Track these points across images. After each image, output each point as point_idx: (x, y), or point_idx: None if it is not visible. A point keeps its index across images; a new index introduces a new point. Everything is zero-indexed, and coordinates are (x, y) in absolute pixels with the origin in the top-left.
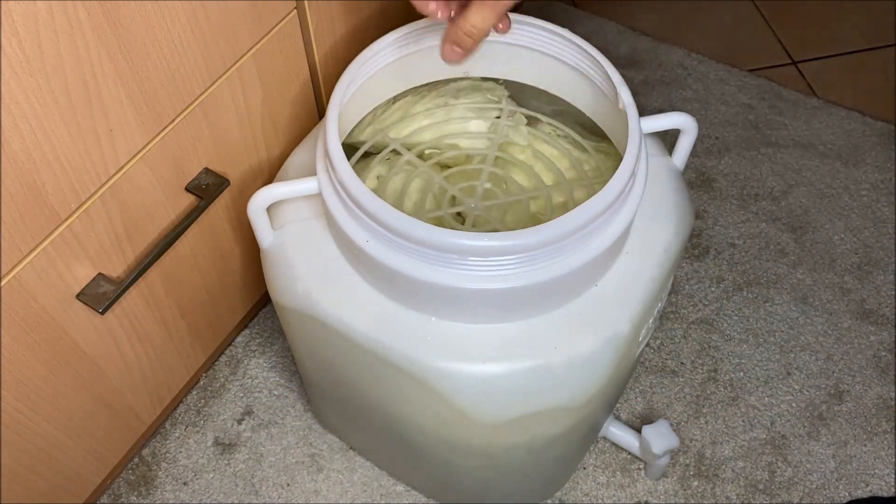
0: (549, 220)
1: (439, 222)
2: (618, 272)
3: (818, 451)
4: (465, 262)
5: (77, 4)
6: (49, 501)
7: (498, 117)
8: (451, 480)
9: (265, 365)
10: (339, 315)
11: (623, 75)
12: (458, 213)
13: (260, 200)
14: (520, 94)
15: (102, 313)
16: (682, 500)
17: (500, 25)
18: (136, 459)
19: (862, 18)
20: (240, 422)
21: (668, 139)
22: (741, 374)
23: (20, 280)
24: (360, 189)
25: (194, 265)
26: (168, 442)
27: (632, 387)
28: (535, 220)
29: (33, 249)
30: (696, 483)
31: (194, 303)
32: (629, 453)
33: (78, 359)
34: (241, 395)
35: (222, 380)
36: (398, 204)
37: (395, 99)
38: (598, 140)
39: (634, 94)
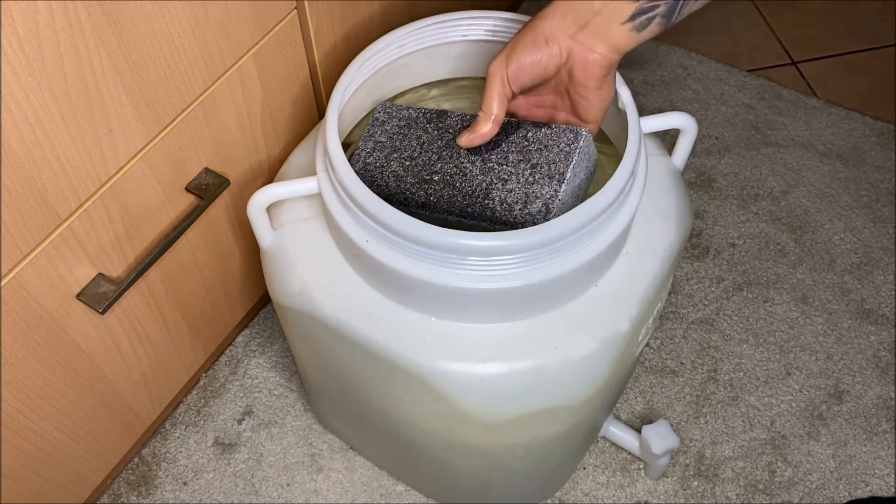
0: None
1: None
2: (618, 272)
3: (818, 451)
4: (465, 262)
5: (77, 4)
6: (49, 501)
7: None
8: (451, 480)
9: (265, 365)
10: (339, 315)
11: (623, 75)
12: None
13: (260, 200)
14: None
15: (102, 313)
16: (682, 500)
17: None
18: (136, 459)
19: (862, 18)
20: (240, 422)
21: (668, 139)
22: (741, 374)
23: (20, 280)
24: (360, 189)
25: (194, 265)
26: (168, 442)
27: (632, 387)
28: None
29: (33, 249)
30: (696, 483)
31: (194, 302)
32: (629, 453)
33: (78, 359)
34: (241, 395)
35: (222, 380)
36: None
37: (396, 98)
38: (597, 140)
39: (634, 94)
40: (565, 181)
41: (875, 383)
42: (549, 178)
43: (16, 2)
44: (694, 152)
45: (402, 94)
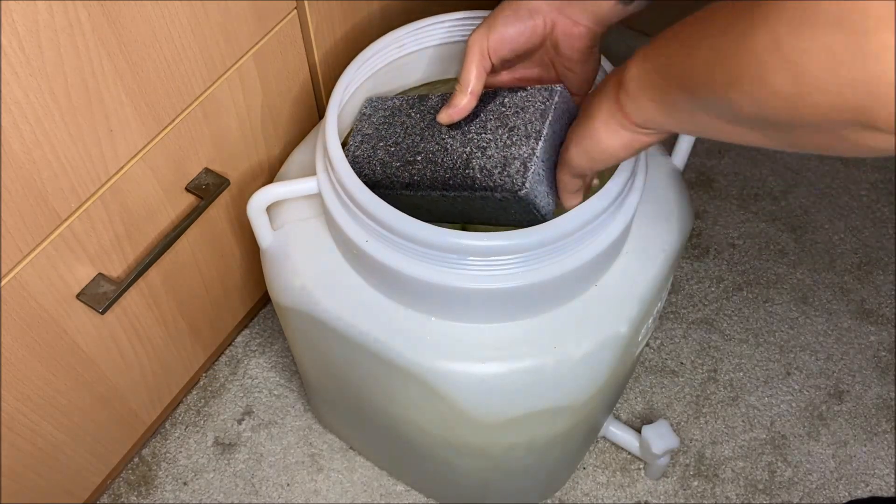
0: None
1: None
2: (617, 272)
3: (818, 451)
4: (465, 262)
5: (77, 4)
6: (49, 501)
7: None
8: (451, 480)
9: (265, 365)
10: (339, 315)
11: None
12: None
13: (260, 200)
14: None
15: (102, 313)
16: (682, 500)
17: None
18: (136, 459)
19: None
20: (240, 422)
21: (667, 139)
22: (741, 374)
23: (20, 280)
24: (359, 189)
25: (194, 265)
26: (168, 442)
27: (632, 387)
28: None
29: (33, 249)
30: (696, 483)
31: (194, 303)
32: (629, 453)
33: (78, 359)
34: (241, 395)
35: (222, 380)
36: None
37: None
38: None
39: None
40: (542, 138)
41: (875, 383)
42: (526, 137)
43: (16, 2)
44: (694, 152)
45: (403, 94)
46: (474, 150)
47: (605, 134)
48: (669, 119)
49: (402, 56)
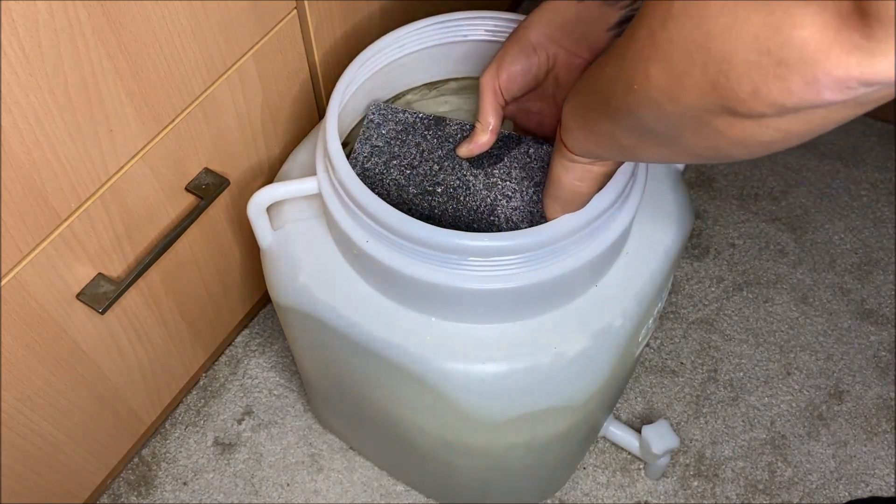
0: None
1: None
2: (618, 272)
3: (818, 451)
4: (466, 262)
5: (77, 4)
6: (49, 501)
7: None
8: (451, 480)
9: (265, 365)
10: (339, 315)
11: None
12: None
13: (260, 200)
14: None
15: (102, 313)
16: (682, 500)
17: None
18: (136, 459)
19: None
20: (240, 422)
21: None
22: (741, 374)
23: (20, 280)
24: (360, 189)
25: (194, 265)
26: (168, 442)
27: (632, 387)
28: None
29: (33, 249)
30: (696, 483)
31: (194, 303)
32: (629, 453)
33: (78, 359)
34: (241, 395)
35: (222, 380)
36: None
37: (396, 98)
38: None
39: None
40: None
41: (875, 383)
42: None
43: (16, 2)
44: None
45: (403, 94)
46: (499, 196)
47: (562, 172)
48: (598, 145)
49: (402, 56)
